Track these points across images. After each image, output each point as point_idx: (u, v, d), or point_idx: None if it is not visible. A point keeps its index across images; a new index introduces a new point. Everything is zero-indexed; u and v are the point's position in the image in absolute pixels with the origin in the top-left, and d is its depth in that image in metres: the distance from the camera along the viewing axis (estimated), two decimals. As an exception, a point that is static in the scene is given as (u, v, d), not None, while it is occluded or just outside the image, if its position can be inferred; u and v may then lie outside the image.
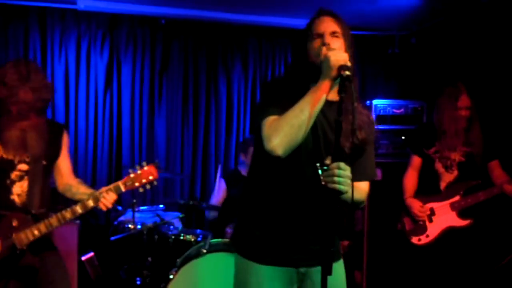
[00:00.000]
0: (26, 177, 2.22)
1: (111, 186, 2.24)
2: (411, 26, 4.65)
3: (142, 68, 4.42)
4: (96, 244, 3.90)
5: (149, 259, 3.43)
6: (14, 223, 2.15)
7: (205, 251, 2.99)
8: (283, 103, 1.72)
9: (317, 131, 1.77)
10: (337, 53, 1.65)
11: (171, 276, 3.03)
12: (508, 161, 3.17)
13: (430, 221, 3.13)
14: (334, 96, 1.66)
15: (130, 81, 4.39)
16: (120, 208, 3.90)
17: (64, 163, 2.40)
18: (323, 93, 1.65)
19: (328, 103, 1.70)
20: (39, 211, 2.22)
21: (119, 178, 4.36)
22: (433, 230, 3.11)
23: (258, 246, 1.85)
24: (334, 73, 1.63)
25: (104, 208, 2.22)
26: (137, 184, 2.25)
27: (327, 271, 1.61)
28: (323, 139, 1.79)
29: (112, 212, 4.11)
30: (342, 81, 1.61)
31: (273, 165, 1.78)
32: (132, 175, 2.25)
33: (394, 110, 4.25)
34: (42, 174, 2.25)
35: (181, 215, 3.74)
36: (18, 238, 2.14)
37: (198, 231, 3.54)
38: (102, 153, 4.33)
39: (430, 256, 3.12)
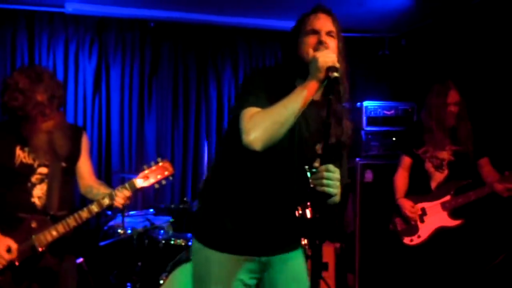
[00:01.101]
0: (46, 180, 2.26)
1: (126, 183, 2.27)
2: (401, 28, 4.66)
3: (131, 71, 4.38)
4: (86, 250, 3.84)
5: (139, 264, 3.38)
6: (33, 225, 2.19)
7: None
8: (266, 96, 1.70)
9: (293, 128, 1.73)
10: (326, 54, 1.63)
11: (161, 281, 3.00)
12: (498, 158, 3.17)
13: (422, 221, 3.12)
14: (315, 95, 1.67)
15: (119, 85, 4.35)
16: (109, 212, 3.85)
17: (84, 165, 2.43)
18: (310, 94, 1.63)
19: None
20: (59, 213, 2.24)
21: (108, 182, 4.35)
22: (425, 230, 3.10)
23: (222, 235, 1.82)
24: (322, 74, 1.61)
25: (119, 205, 2.25)
26: (152, 180, 2.27)
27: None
28: (298, 136, 1.77)
29: (102, 217, 4.06)
30: (329, 83, 1.60)
31: (246, 157, 1.73)
32: (146, 171, 2.28)
33: (385, 112, 4.26)
34: (62, 176, 2.29)
35: (171, 220, 3.70)
36: (38, 239, 2.18)
37: (189, 235, 3.51)
38: (91, 158, 4.27)
39: (422, 257, 3.11)
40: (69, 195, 2.37)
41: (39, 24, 4.13)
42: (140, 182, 2.28)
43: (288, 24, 4.49)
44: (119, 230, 3.51)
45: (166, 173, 2.30)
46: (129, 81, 4.38)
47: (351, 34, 4.73)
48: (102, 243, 3.47)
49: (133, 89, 4.39)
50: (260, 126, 1.61)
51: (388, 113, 4.27)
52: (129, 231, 3.45)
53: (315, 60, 1.62)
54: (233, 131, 1.74)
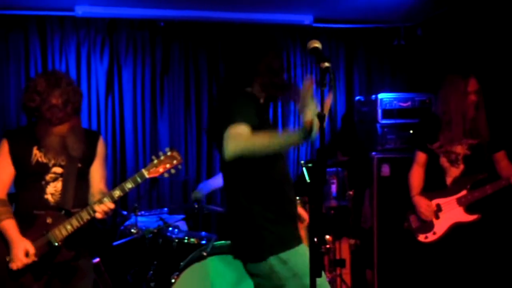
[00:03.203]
0: (60, 179, 2.34)
1: (136, 174, 2.31)
2: (417, 17, 4.52)
3: (143, 71, 4.39)
4: (102, 250, 3.89)
5: (155, 263, 3.41)
6: (48, 221, 2.27)
7: (205, 254, 2.96)
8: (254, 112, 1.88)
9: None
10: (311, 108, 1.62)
11: (172, 280, 3.01)
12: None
13: (437, 217, 3.02)
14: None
15: (131, 85, 4.37)
16: (125, 212, 3.88)
17: (95, 170, 2.47)
18: (292, 145, 1.85)
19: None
20: (73, 210, 2.31)
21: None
22: (440, 226, 3.01)
23: (294, 230, 2.05)
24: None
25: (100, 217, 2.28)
26: (161, 169, 2.32)
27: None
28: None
29: (119, 217, 4.10)
30: (322, 73, 1.56)
31: (270, 164, 2.00)
32: (155, 161, 2.33)
33: (401, 104, 4.15)
34: (77, 175, 2.36)
35: (184, 217, 3.71)
36: (53, 234, 2.26)
37: (203, 233, 3.51)
38: (106, 160, 4.32)
39: (438, 254, 3.02)
40: (84, 194, 2.43)
41: (51, 29, 4.18)
42: (148, 171, 2.32)
43: (299, 17, 4.47)
44: (132, 230, 3.54)
45: (175, 162, 2.34)
46: (141, 81, 4.39)
47: (366, 25, 4.62)
48: (115, 243, 3.51)
49: (145, 89, 4.40)
50: (239, 145, 1.77)
51: (404, 105, 4.17)
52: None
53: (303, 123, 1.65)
54: None
